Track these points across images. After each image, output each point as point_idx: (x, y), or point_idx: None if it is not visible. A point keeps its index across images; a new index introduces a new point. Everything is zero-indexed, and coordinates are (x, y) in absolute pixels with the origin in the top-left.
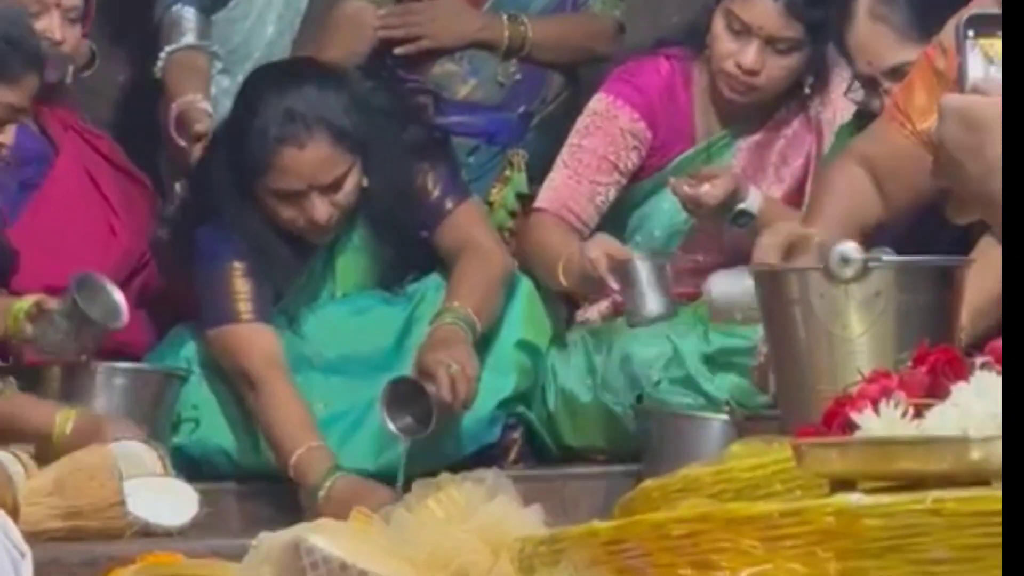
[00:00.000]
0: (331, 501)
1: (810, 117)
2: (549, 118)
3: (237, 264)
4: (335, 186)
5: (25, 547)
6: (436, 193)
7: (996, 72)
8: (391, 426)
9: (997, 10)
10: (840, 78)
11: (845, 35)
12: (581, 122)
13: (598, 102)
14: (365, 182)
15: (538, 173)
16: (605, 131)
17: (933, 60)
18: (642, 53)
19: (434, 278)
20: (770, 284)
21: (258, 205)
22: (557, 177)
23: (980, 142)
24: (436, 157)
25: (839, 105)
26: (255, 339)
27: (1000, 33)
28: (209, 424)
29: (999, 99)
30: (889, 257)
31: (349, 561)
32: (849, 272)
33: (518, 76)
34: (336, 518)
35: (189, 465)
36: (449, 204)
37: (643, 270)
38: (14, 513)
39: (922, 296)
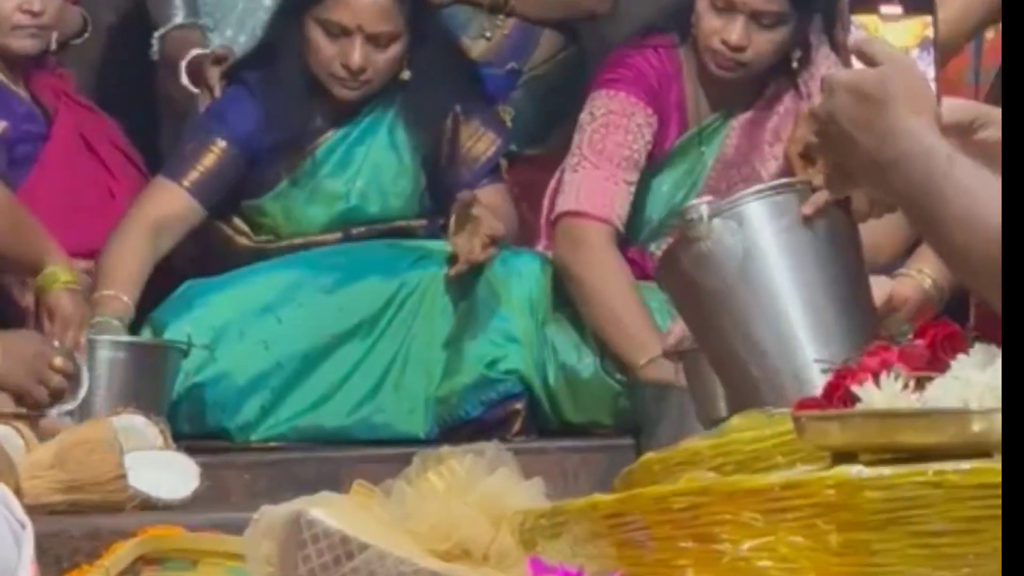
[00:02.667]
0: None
1: (800, 92)
2: (541, 77)
3: (221, 143)
4: (380, 40)
5: (26, 519)
6: (471, 152)
7: (880, 45)
8: None
9: None
10: (828, 50)
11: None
12: (598, 120)
13: (611, 100)
14: (407, 75)
15: (524, 131)
16: (626, 129)
17: None
18: (628, 45)
19: (435, 272)
20: (665, 264)
21: (298, 49)
22: (590, 177)
23: (871, 113)
24: (473, 108)
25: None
26: (173, 202)
27: (880, 9)
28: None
29: (886, 69)
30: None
31: (350, 534)
32: (702, 228)
33: (506, 32)
34: None
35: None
36: (484, 180)
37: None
38: (16, 494)
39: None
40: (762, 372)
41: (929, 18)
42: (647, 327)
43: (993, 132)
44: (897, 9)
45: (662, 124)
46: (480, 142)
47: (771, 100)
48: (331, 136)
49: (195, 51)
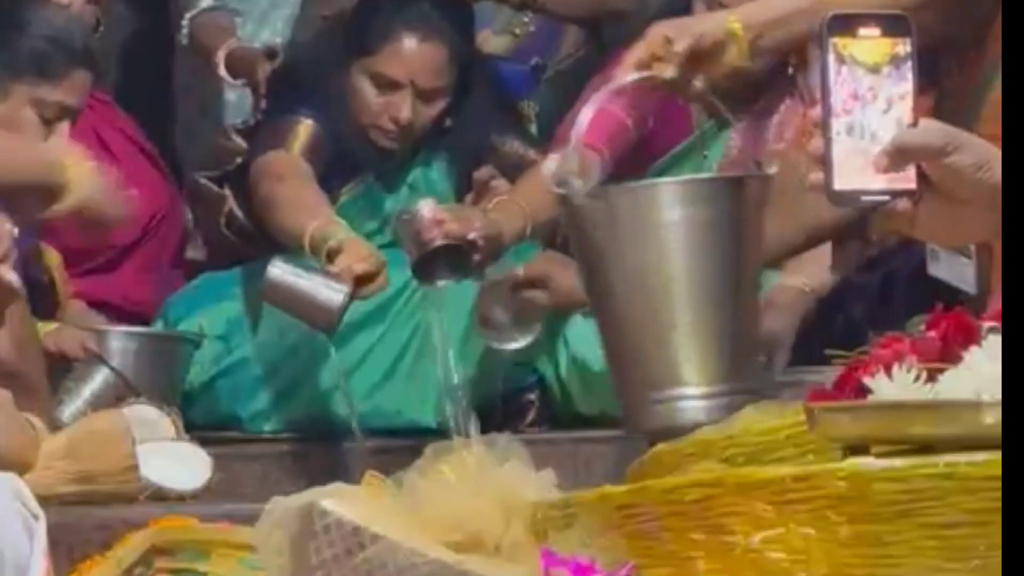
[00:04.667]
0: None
1: (800, 91)
2: (564, 73)
3: (306, 120)
4: (430, 96)
5: (39, 510)
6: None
7: (848, 71)
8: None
9: (859, 11)
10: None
11: None
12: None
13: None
14: (449, 122)
15: (548, 126)
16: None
17: None
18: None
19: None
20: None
21: (344, 98)
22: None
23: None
24: (510, 134)
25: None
26: (294, 163)
27: (859, 32)
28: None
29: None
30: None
31: (362, 525)
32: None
33: (532, 28)
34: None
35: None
36: None
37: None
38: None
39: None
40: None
41: (901, 38)
42: None
43: (965, 157)
44: (875, 31)
45: (660, 124)
46: (524, 159)
47: (772, 100)
48: (367, 178)
49: (233, 41)
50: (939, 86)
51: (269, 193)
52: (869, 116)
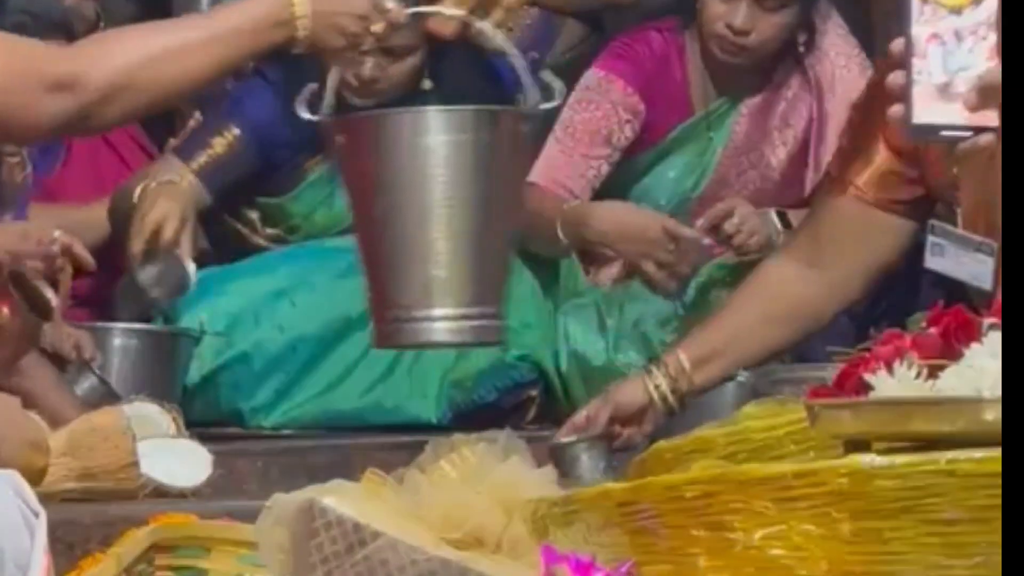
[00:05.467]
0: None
1: (808, 77)
2: (563, 67)
3: (235, 130)
4: (394, 52)
5: (39, 508)
6: None
7: (932, 10)
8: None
9: None
10: (834, 33)
11: None
12: (574, 96)
13: (590, 77)
14: (428, 84)
15: (548, 120)
16: (598, 105)
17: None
18: (632, 29)
19: None
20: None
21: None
22: (549, 151)
23: None
24: None
25: (833, 59)
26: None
27: None
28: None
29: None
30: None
31: (363, 522)
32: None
33: (528, 21)
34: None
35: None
36: None
37: (583, 454)
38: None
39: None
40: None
41: None
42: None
43: None
44: None
45: (659, 107)
46: None
47: (779, 85)
48: None
49: None
50: None
51: None
52: (952, 54)
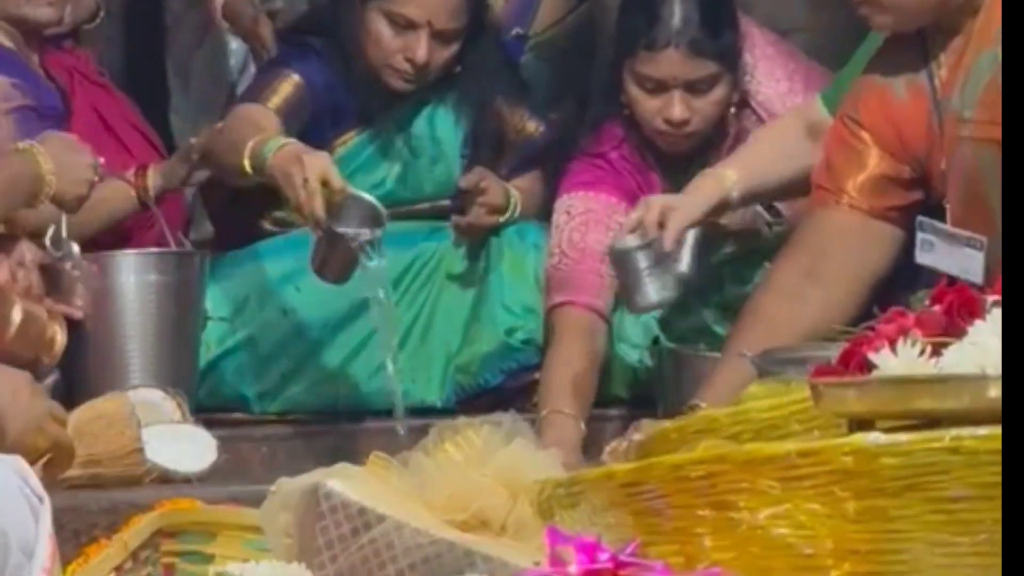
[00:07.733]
0: (277, 162)
1: (760, 116)
2: (549, 41)
3: (296, 77)
4: (446, 37)
5: (44, 493)
6: (518, 138)
7: None
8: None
9: None
10: (763, 60)
11: None
12: (576, 219)
13: (590, 200)
14: (458, 68)
15: (538, 96)
16: (607, 226)
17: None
18: (587, 153)
19: (450, 242)
20: None
21: (357, 32)
22: (576, 273)
23: None
24: (517, 98)
25: (771, 90)
26: (265, 117)
27: None
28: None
29: None
30: None
31: (368, 505)
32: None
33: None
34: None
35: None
36: (526, 168)
37: (641, 259)
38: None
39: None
40: None
41: None
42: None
43: None
44: None
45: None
46: (526, 128)
47: (736, 137)
48: (376, 123)
49: None
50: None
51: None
52: None
